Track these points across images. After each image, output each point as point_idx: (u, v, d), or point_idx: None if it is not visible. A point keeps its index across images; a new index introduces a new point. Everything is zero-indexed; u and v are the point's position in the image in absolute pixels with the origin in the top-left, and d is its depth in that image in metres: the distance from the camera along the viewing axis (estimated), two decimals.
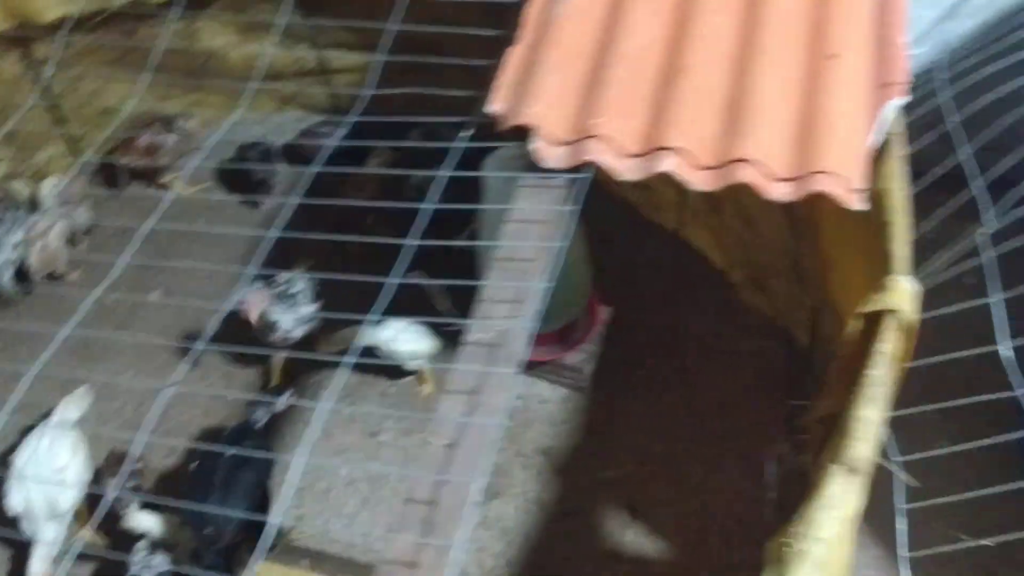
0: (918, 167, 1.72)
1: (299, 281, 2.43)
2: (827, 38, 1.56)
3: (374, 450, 2.42)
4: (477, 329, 1.33)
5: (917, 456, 1.64)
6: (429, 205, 1.49)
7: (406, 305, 1.47)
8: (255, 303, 2.30)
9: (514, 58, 1.59)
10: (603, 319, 2.48)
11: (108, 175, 3.10)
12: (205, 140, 3.07)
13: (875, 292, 1.30)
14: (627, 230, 2.78)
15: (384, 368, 2.40)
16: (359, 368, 2.38)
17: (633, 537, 2.19)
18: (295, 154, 2.95)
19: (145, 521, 2.02)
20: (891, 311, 1.28)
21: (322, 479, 2.36)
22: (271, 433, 2.35)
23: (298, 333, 2.39)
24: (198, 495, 1.91)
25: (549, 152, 1.47)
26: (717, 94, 1.51)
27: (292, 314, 2.38)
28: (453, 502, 1.15)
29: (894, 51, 1.55)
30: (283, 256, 2.65)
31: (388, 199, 2.20)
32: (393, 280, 1.38)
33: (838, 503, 1.12)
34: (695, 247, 2.69)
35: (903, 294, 1.28)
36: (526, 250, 1.41)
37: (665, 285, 2.67)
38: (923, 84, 1.99)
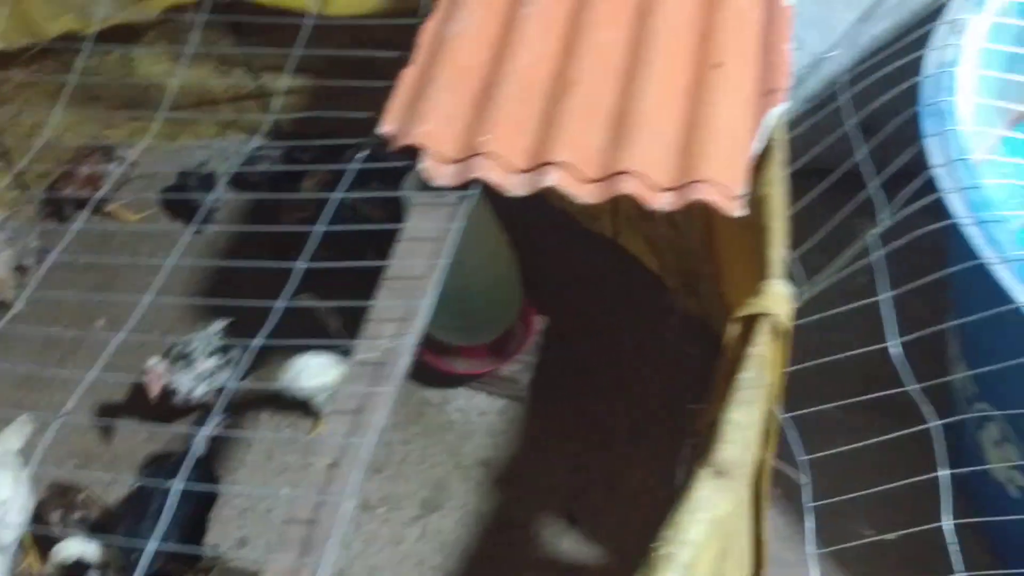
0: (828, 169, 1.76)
1: (194, 340, 2.39)
2: (714, 47, 1.59)
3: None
4: (363, 349, 1.35)
5: (820, 455, 1.66)
6: (320, 227, 1.51)
7: (299, 330, 1.48)
8: (156, 377, 2.26)
9: (407, 79, 1.62)
10: (538, 329, 2.50)
11: (53, 206, 3.12)
12: (147, 168, 3.10)
13: (752, 296, 1.33)
14: (565, 239, 2.80)
15: (299, 406, 2.41)
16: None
17: (570, 545, 2.21)
18: (236, 179, 2.98)
19: (77, 548, 2.04)
20: (765, 315, 1.30)
21: (264, 500, 2.38)
22: (213, 458, 2.37)
23: (200, 392, 2.34)
24: (130, 521, 1.93)
25: (438, 171, 1.49)
26: (604, 108, 1.54)
27: (188, 374, 2.32)
28: (331, 522, 1.17)
29: (778, 57, 1.58)
30: (226, 284, 2.69)
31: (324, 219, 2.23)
32: (280, 304, 1.40)
33: (705, 506, 1.14)
34: (632, 254, 2.72)
35: (776, 297, 1.31)
36: (416, 268, 1.44)
37: (604, 293, 2.70)
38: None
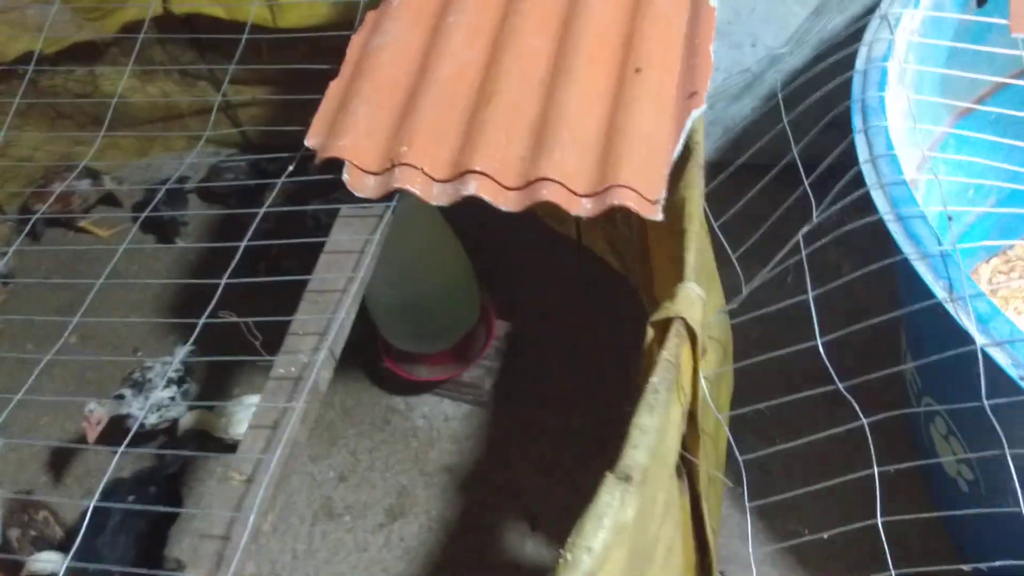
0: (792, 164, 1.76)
1: (155, 368, 2.38)
2: (636, 52, 1.60)
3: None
4: (281, 363, 1.36)
5: (760, 454, 1.66)
6: (242, 243, 1.52)
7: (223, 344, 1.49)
8: (94, 422, 2.21)
9: (333, 91, 1.63)
10: (499, 334, 2.51)
11: (26, 224, 3.15)
12: (118, 183, 3.13)
13: (667, 300, 1.34)
14: (532, 242, 2.81)
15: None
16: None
17: (533, 548, 2.22)
18: (204, 192, 3.01)
19: (45, 561, 2.06)
20: (677, 318, 1.31)
21: (228, 509, 2.38)
22: (183, 475, 2.39)
23: (153, 420, 2.32)
24: (88, 535, 1.95)
25: (360, 183, 1.50)
26: (526, 116, 1.54)
27: (141, 403, 2.31)
28: (242, 537, 1.18)
29: (701, 60, 1.58)
30: (197, 297, 2.70)
31: (289, 229, 2.24)
32: (200, 320, 1.41)
33: (609, 511, 1.15)
34: (598, 255, 2.72)
35: (689, 300, 1.32)
36: (337, 281, 1.45)
37: (570, 295, 2.70)
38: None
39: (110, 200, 3.17)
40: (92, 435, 2.21)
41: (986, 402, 1.26)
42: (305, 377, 1.33)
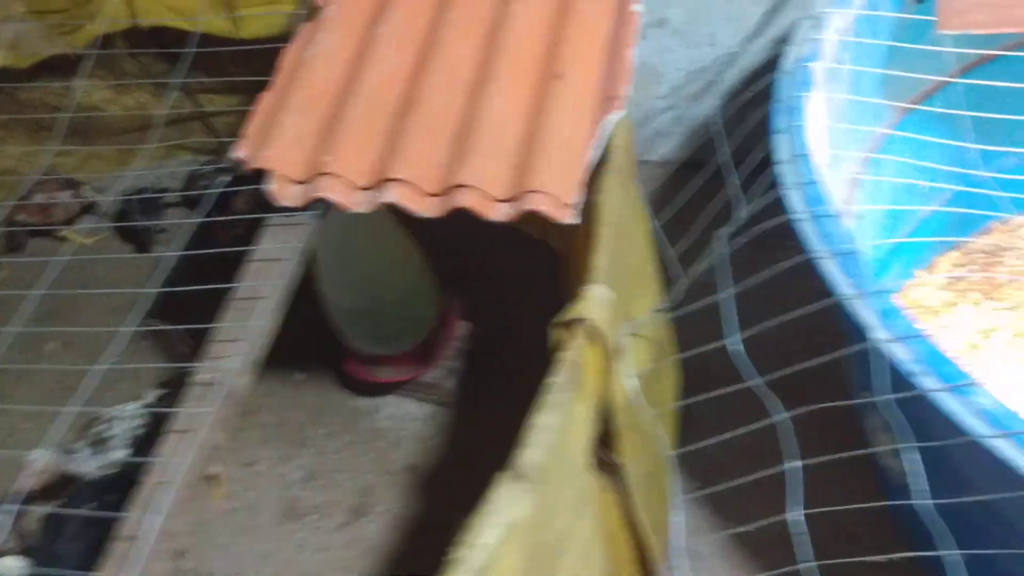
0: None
1: (119, 422, 2.31)
2: (558, 58, 1.63)
3: (251, 480, 2.51)
4: (202, 370, 1.40)
5: (690, 448, 1.70)
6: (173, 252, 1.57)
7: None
8: (33, 472, 2.13)
9: (264, 103, 1.67)
10: (460, 334, 2.54)
11: (10, 235, 3.22)
12: (99, 193, 3.19)
13: (573, 303, 1.37)
14: (495, 242, 2.83)
15: None
16: None
17: None
18: (184, 200, 3.07)
19: (13, 566, 2.11)
20: (581, 319, 1.34)
21: (199, 512, 2.44)
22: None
23: (97, 475, 2.23)
24: (46, 539, 2.01)
25: (284, 192, 1.55)
26: (448, 123, 1.58)
27: (96, 460, 2.23)
28: (147, 538, 1.23)
29: (621, 65, 1.61)
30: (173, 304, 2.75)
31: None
32: (127, 329, 1.46)
33: (500, 509, 1.19)
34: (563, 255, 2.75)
35: (593, 303, 1.35)
36: (263, 289, 1.49)
37: (532, 295, 2.72)
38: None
39: (93, 209, 3.22)
40: (35, 484, 2.15)
41: (891, 396, 1.29)
42: (223, 383, 1.38)
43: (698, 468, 2.08)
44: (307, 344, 2.50)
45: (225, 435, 1.33)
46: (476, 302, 2.66)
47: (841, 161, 1.92)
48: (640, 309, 1.73)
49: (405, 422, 2.53)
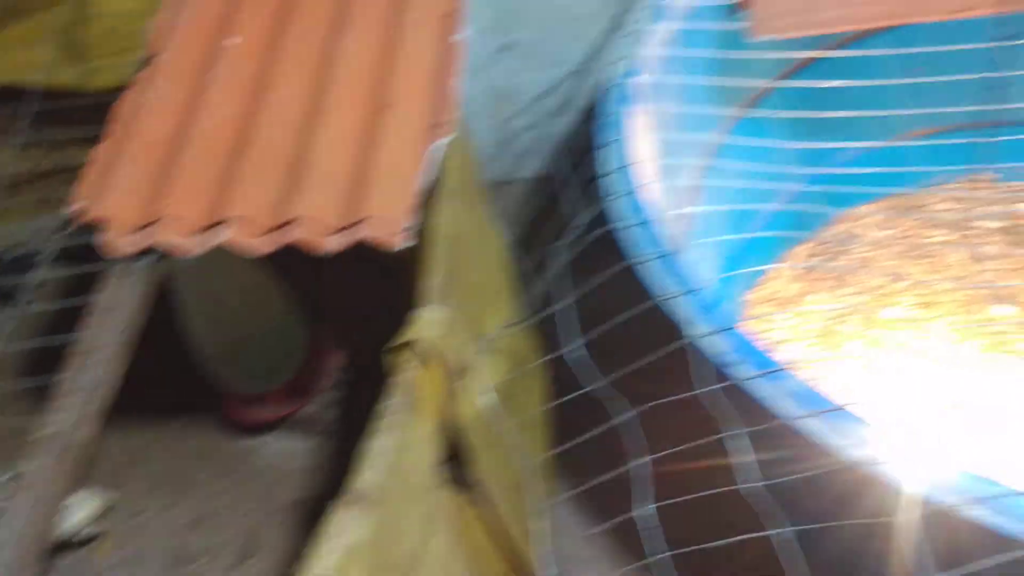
0: None
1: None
2: (387, 90, 1.68)
3: (138, 530, 2.49)
4: (43, 424, 1.40)
5: (551, 453, 1.75)
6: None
7: None
8: None
9: (99, 154, 1.68)
10: (334, 365, 2.57)
11: None
12: None
13: (405, 326, 1.41)
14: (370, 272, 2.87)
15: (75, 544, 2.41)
16: None
17: None
18: (62, 253, 3.03)
19: None
20: (412, 342, 1.38)
21: (82, 572, 2.42)
22: None
23: None
24: None
25: (117, 243, 1.55)
26: (280, 160, 1.61)
27: None
28: None
29: (447, 93, 1.67)
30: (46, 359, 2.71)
31: None
32: None
33: (337, 533, 1.22)
34: None
35: (425, 324, 1.39)
36: (101, 338, 1.50)
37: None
38: None
39: None
40: None
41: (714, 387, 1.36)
42: (64, 436, 1.38)
43: (571, 471, 2.14)
44: (187, 389, 2.51)
45: (66, 488, 1.33)
46: (351, 331, 2.69)
47: (679, 169, 2.01)
48: (493, 324, 1.78)
49: (288, 458, 2.54)
